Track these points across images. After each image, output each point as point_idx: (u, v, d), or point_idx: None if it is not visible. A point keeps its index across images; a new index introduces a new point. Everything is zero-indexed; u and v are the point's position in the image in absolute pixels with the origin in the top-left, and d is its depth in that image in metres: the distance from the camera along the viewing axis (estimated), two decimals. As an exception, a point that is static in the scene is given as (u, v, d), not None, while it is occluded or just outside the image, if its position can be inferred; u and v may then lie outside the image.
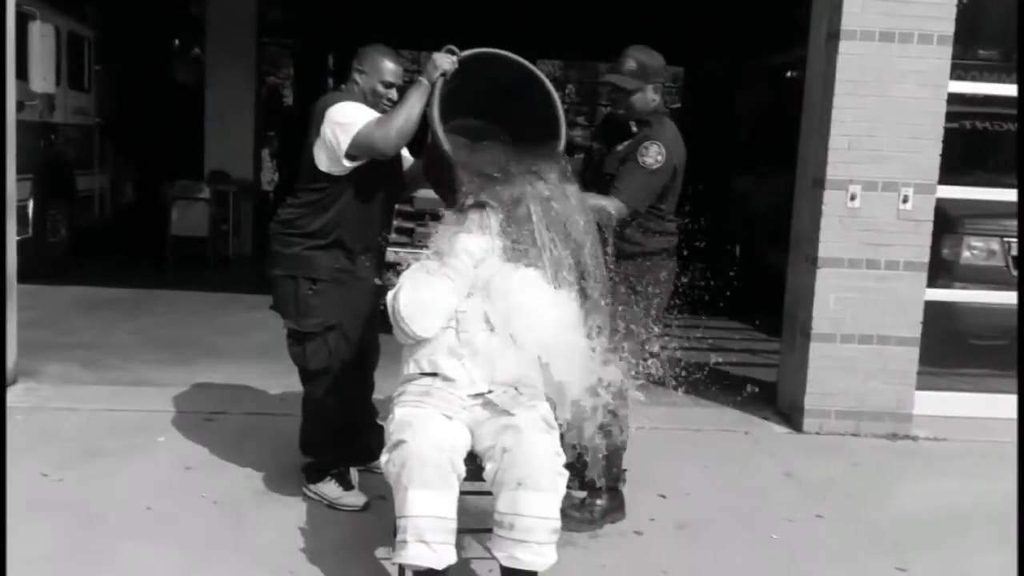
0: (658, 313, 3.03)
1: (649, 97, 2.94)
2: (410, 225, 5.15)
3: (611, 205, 2.82)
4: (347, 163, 2.78)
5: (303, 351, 2.93)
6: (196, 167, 8.28)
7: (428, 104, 2.69)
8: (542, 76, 2.78)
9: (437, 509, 2.19)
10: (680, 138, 3.01)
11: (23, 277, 4.36)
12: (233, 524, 2.85)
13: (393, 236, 5.07)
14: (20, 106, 5.91)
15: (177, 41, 11.25)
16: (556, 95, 2.74)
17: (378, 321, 2.97)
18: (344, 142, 2.75)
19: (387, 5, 9.95)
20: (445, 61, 2.71)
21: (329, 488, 3.00)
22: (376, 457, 2.43)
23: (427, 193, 3.12)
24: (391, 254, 3.84)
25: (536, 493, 2.20)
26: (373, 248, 2.98)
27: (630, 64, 2.92)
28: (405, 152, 3.05)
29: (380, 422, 2.98)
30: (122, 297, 6.22)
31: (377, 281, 2.97)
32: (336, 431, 3.02)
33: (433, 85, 2.70)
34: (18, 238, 5.37)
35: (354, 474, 3.09)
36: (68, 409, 3.85)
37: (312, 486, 3.03)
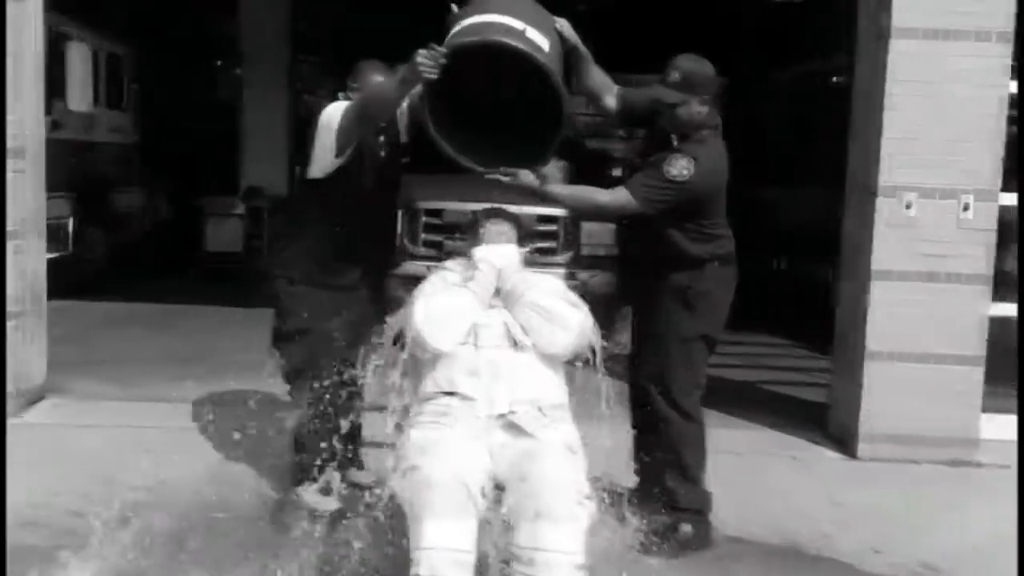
0: (715, 328, 2.92)
1: (694, 110, 2.79)
2: (439, 238, 4.99)
3: (608, 196, 2.75)
4: (337, 159, 2.83)
5: (282, 351, 3.02)
6: (232, 184, 8.34)
7: (422, 115, 2.60)
8: (548, 67, 2.46)
9: (452, 541, 2.05)
10: (724, 161, 2.87)
11: (60, 293, 4.37)
12: (253, 545, 2.72)
13: (421, 250, 4.98)
14: (57, 125, 5.99)
15: (219, 62, 11.42)
16: (563, 90, 2.46)
17: (370, 329, 2.94)
18: (333, 136, 2.80)
19: (414, 24, 9.95)
20: (429, 71, 2.41)
21: (308, 494, 2.94)
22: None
23: (458, 205, 3.05)
24: (420, 268, 3.77)
25: (555, 525, 2.05)
26: (363, 256, 2.97)
27: (674, 75, 2.79)
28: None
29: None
30: (153, 313, 6.22)
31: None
32: (316, 435, 2.94)
33: (421, 87, 2.54)
34: (57, 255, 5.44)
35: (335, 477, 2.98)
36: (90, 426, 3.83)
37: (296, 488, 2.99)
